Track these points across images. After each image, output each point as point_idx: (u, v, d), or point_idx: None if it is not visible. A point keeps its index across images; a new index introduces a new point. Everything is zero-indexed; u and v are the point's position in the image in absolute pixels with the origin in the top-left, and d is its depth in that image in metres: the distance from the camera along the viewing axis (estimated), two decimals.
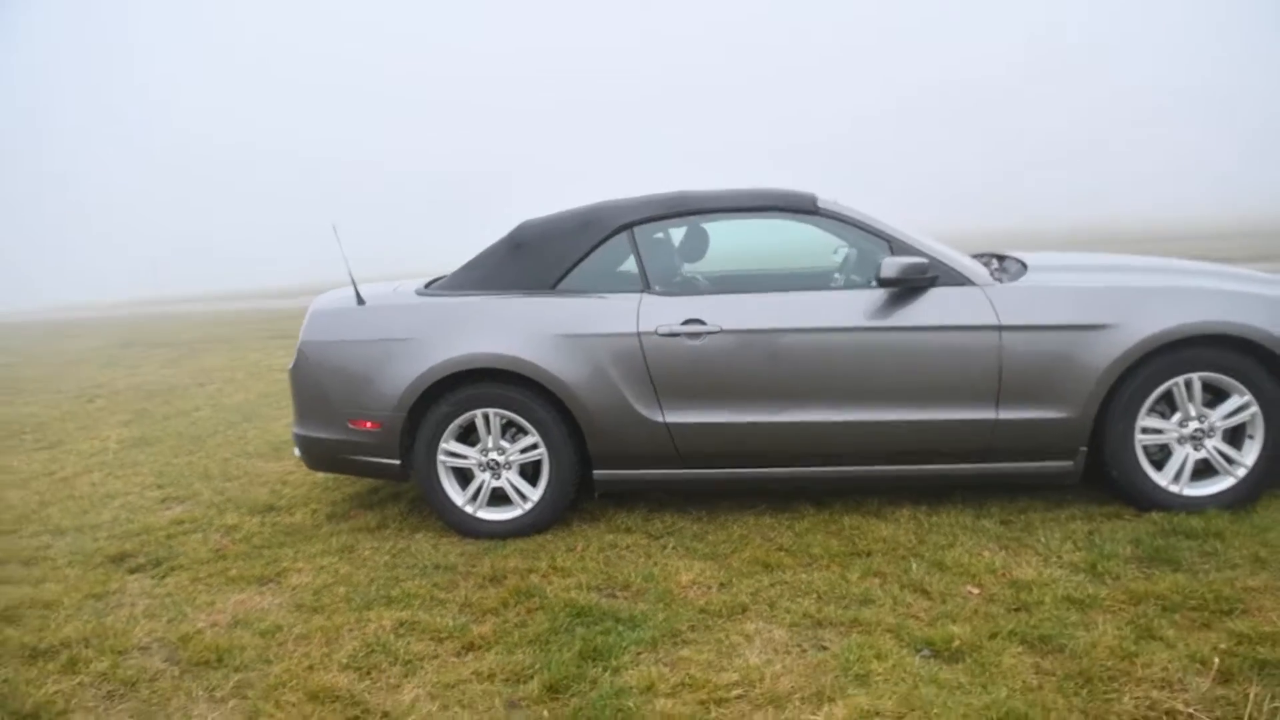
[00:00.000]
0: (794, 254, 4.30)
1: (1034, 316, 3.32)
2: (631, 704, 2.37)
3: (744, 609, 2.87)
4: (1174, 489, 3.36)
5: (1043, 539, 3.22)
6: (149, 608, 3.16)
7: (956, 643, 2.54)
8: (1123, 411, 3.30)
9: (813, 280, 3.86)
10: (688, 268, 3.94)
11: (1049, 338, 3.30)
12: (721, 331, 3.42)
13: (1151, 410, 3.34)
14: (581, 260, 3.62)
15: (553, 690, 2.47)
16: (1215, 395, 3.33)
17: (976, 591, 2.88)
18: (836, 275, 3.90)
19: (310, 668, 2.68)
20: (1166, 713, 2.19)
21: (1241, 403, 3.28)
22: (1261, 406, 3.26)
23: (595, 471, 3.60)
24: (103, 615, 3.11)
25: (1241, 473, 3.33)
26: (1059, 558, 3.06)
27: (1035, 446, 3.38)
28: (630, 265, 3.63)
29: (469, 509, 3.62)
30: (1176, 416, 3.33)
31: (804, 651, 2.60)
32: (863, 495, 3.74)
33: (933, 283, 3.38)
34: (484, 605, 3.01)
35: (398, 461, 3.64)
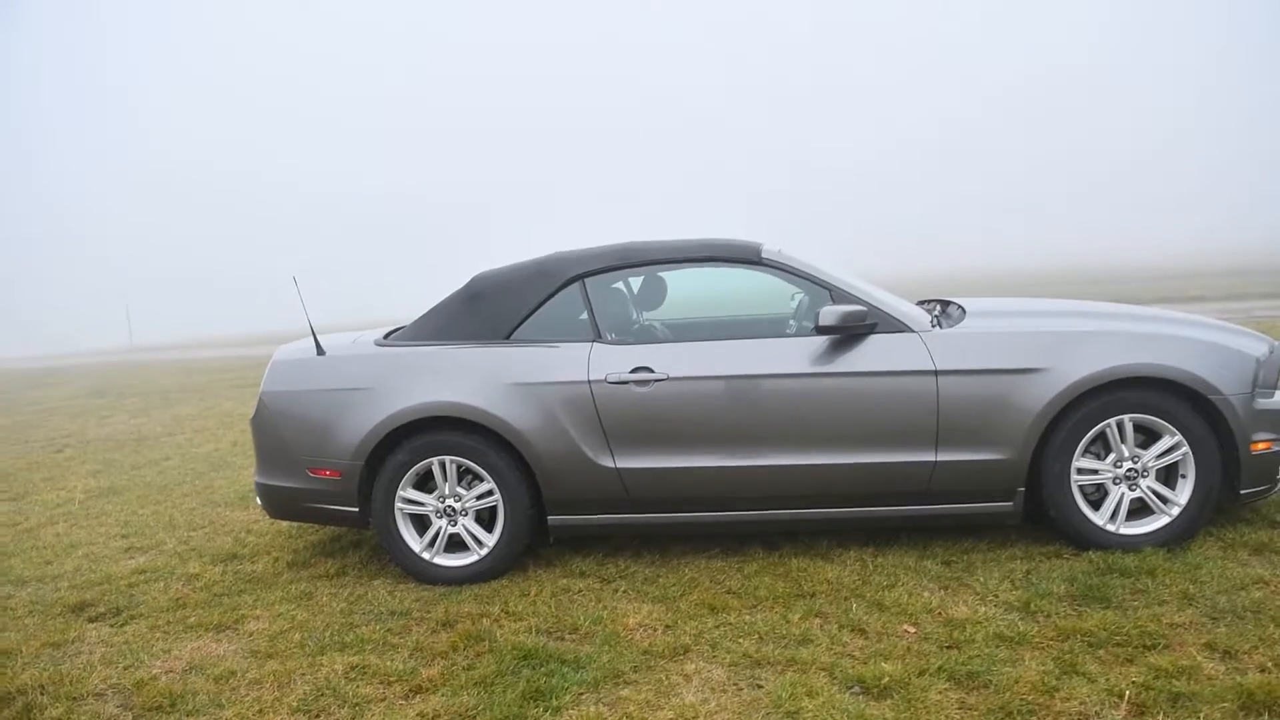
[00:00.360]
0: (759, 299, 4.42)
1: (969, 361, 3.44)
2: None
3: (686, 650, 2.94)
4: (1110, 528, 3.46)
5: (981, 578, 3.30)
6: (106, 655, 3.20)
7: (886, 680, 2.62)
8: (1058, 453, 3.42)
9: (760, 328, 3.98)
10: (640, 316, 4.06)
11: (984, 381, 3.42)
12: (669, 379, 3.53)
13: (1087, 451, 3.45)
14: (535, 311, 3.74)
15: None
16: (1148, 436, 3.44)
17: (912, 630, 2.96)
18: (791, 321, 4.03)
19: (260, 711, 2.73)
20: None
21: (1172, 443, 3.40)
22: (1191, 446, 3.38)
23: (550, 517, 3.68)
24: (60, 663, 3.16)
25: (1175, 511, 3.43)
26: (995, 597, 3.14)
27: (975, 488, 3.48)
28: (583, 315, 3.75)
29: (426, 555, 3.69)
30: (1111, 457, 3.45)
31: (740, 690, 2.67)
32: (812, 537, 3.82)
33: (872, 329, 3.51)
34: (435, 649, 3.07)
35: (356, 509, 3.72)
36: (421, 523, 3.72)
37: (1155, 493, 3.45)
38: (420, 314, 3.94)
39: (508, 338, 3.73)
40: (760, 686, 2.67)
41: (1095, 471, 3.46)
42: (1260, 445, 3.40)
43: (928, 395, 3.43)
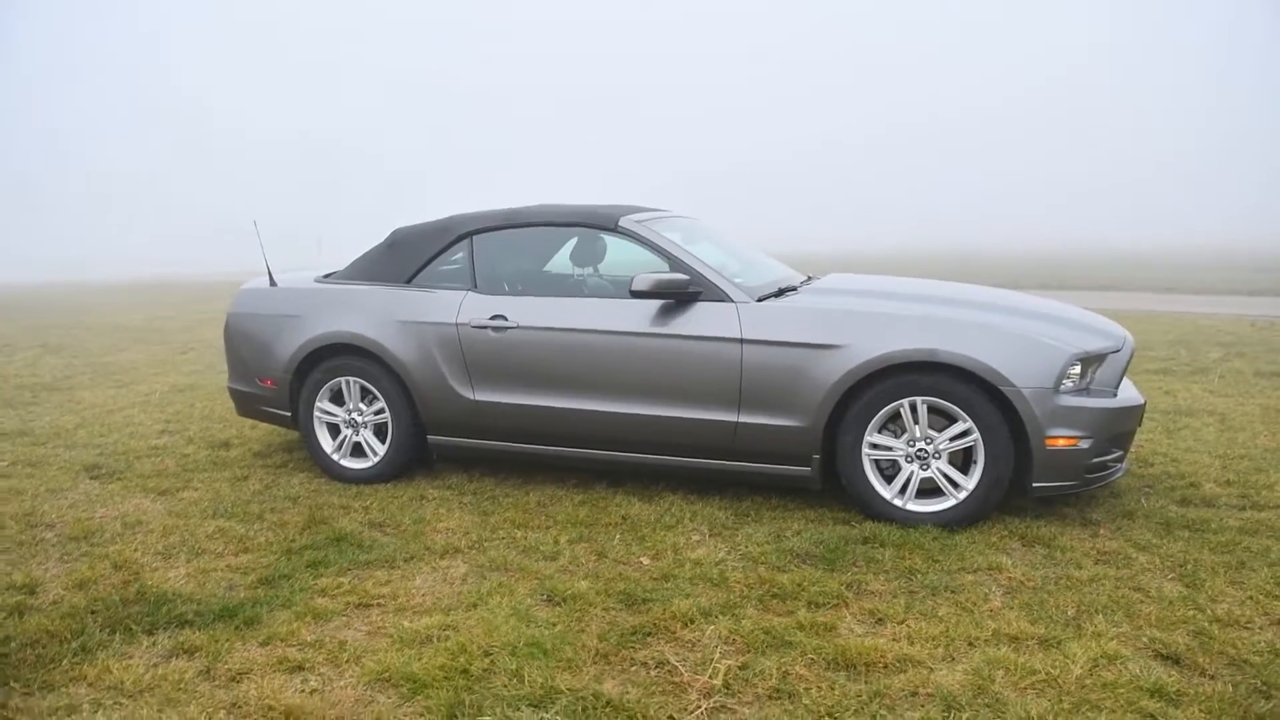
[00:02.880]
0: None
1: (772, 333, 3.69)
2: (300, 597, 3.09)
3: (457, 551, 3.51)
4: (897, 502, 3.62)
5: (751, 531, 3.60)
6: (75, 501, 4.24)
7: (571, 593, 3.06)
8: (851, 426, 3.61)
9: (615, 288, 4.30)
10: (514, 269, 4.48)
11: (783, 353, 3.67)
12: (519, 327, 4.05)
13: (884, 428, 3.62)
14: (431, 261, 4.36)
15: (265, 582, 3.24)
16: (949, 420, 3.55)
17: (646, 562, 3.35)
18: None
19: (135, 549, 3.59)
20: (661, 663, 2.62)
21: (964, 428, 3.50)
22: (982, 434, 3.47)
23: (429, 436, 4.33)
24: (43, 502, 4.22)
25: (962, 495, 3.54)
26: (742, 547, 3.45)
27: (774, 450, 3.75)
28: (465, 266, 4.32)
29: (335, 456, 4.47)
30: (905, 436, 3.59)
31: (462, 583, 3.21)
32: (651, 480, 4.23)
33: (695, 297, 3.83)
34: (284, 524, 3.83)
35: (289, 413, 4.55)
36: (334, 430, 4.50)
37: (945, 475, 3.56)
38: (354, 258, 4.68)
39: (408, 282, 4.39)
40: (477, 584, 3.19)
41: (890, 448, 3.62)
42: (1057, 441, 3.42)
43: (733, 360, 3.73)
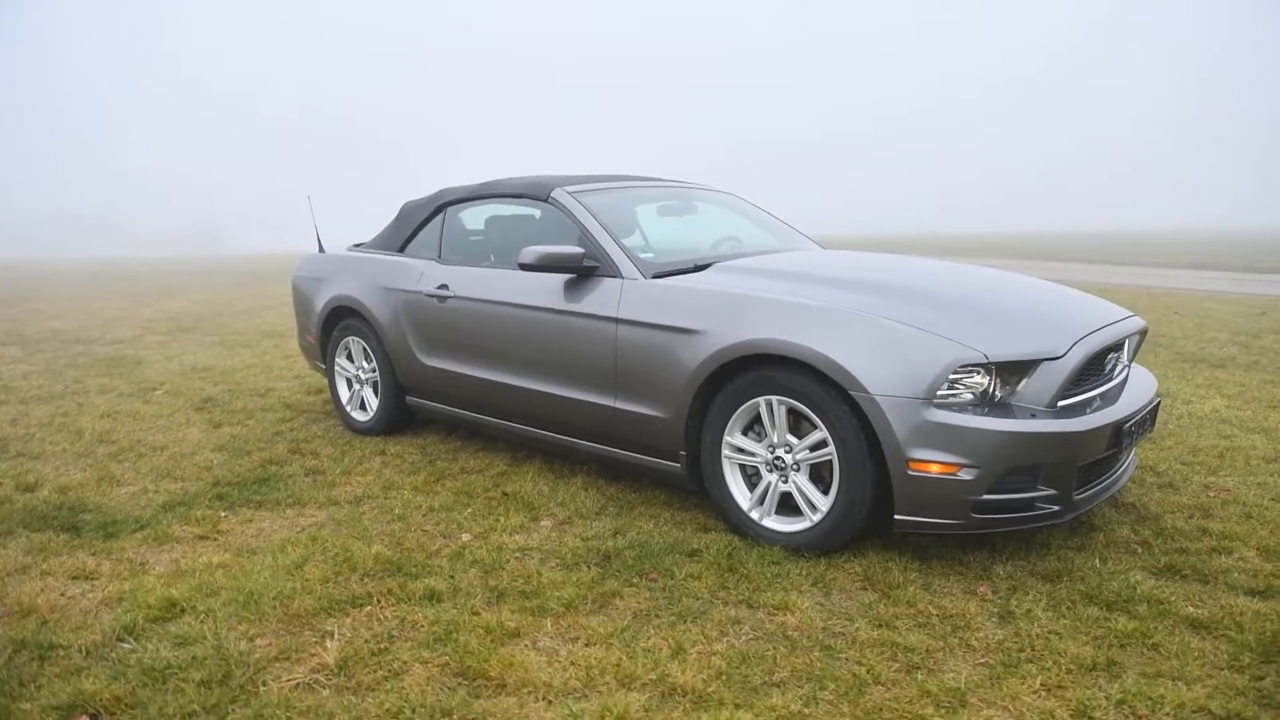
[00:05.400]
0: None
1: (642, 314, 3.34)
2: (167, 522, 3.48)
3: (335, 504, 3.69)
4: (754, 515, 3.12)
5: (595, 524, 3.34)
6: (154, 426, 5.09)
7: (353, 556, 3.07)
8: (711, 423, 3.18)
9: None
10: (474, 241, 4.46)
11: (649, 335, 3.31)
12: (456, 297, 4.09)
13: (751, 430, 3.14)
14: (417, 231, 4.55)
15: (166, 506, 3.68)
16: (813, 426, 2.97)
17: (465, 539, 3.26)
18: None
19: (130, 468, 4.24)
20: (327, 634, 2.58)
21: (821, 438, 2.91)
22: (836, 446, 2.86)
23: (407, 397, 4.56)
24: (130, 424, 5.13)
25: (816, 518, 2.96)
26: (564, 539, 3.21)
27: (644, 442, 3.41)
28: (438, 236, 4.44)
29: (348, 408, 4.88)
30: (766, 441, 3.08)
31: (298, 531, 3.36)
32: (575, 458, 4.06)
33: (591, 272, 3.58)
34: (252, 462, 4.29)
35: (325, 365, 5.05)
36: (349, 383, 4.91)
37: (804, 491, 2.99)
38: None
39: (400, 250, 4.63)
40: (307, 534, 3.33)
41: (753, 453, 3.12)
42: (927, 466, 2.71)
43: (609, 341, 3.44)
